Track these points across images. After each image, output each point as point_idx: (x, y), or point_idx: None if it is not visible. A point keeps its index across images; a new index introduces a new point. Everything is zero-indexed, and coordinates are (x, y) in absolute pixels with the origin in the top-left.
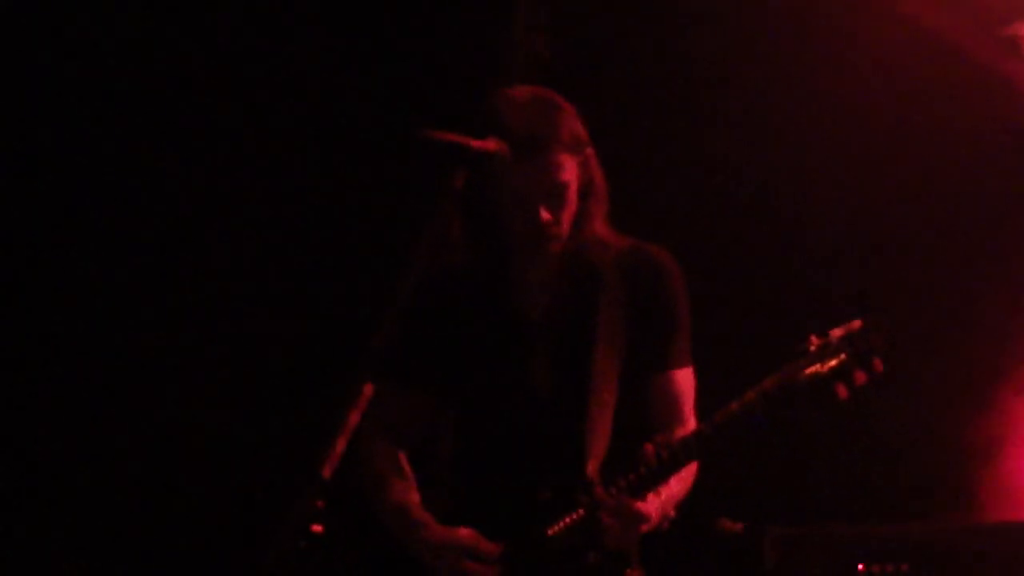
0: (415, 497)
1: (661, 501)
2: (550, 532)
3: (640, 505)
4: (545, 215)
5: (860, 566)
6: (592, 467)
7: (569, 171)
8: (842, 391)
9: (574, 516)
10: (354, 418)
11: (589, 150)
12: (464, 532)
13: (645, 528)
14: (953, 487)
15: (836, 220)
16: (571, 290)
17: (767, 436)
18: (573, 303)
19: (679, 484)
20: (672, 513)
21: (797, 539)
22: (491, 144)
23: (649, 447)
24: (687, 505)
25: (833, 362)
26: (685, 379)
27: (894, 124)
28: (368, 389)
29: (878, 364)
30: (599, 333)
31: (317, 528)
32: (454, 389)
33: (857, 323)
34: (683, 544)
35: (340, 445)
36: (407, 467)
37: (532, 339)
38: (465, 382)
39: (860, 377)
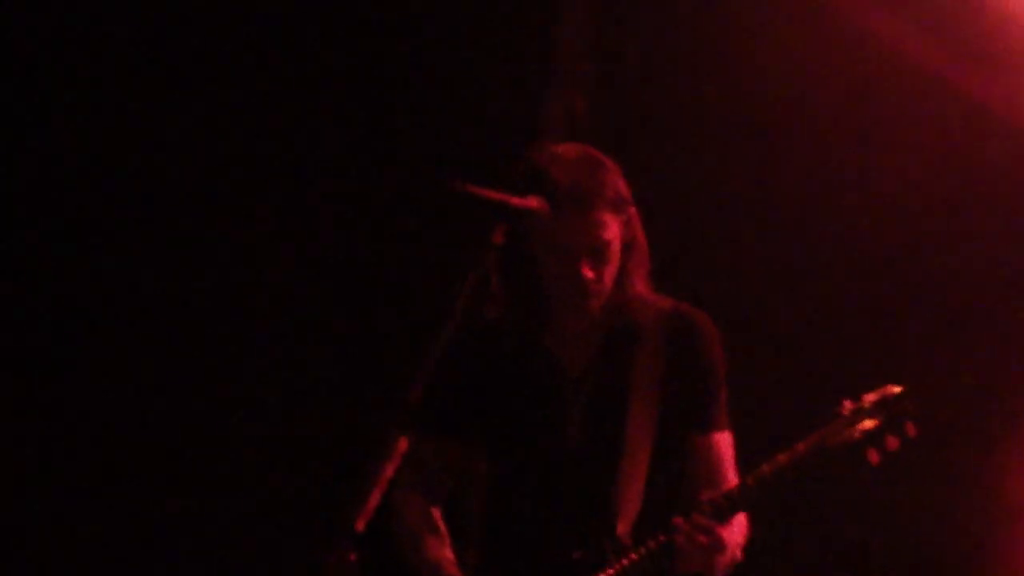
0: (448, 553)
1: (732, 531)
2: None
3: (717, 526)
4: (588, 272)
5: None
6: (622, 527)
7: (612, 229)
8: (874, 456)
9: (611, 572)
10: (389, 471)
11: (632, 208)
12: None
13: (722, 559)
14: (990, 551)
15: (870, 286)
16: (610, 347)
17: (796, 500)
18: (611, 359)
19: (739, 534)
20: (739, 556)
21: None
22: (532, 202)
23: (704, 495)
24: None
25: (866, 427)
26: (725, 442)
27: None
28: (403, 443)
29: (911, 429)
30: (635, 391)
31: None
32: (489, 443)
33: (891, 388)
34: None
35: (374, 499)
36: (440, 523)
37: (568, 395)
38: (499, 436)
39: (892, 443)
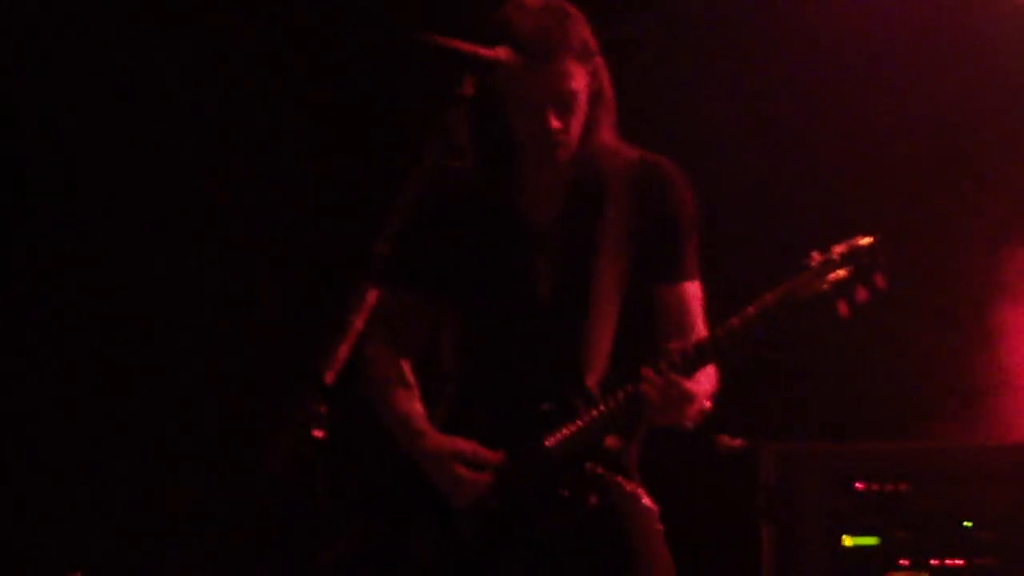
0: (417, 406)
1: (701, 387)
2: (548, 443)
3: (687, 383)
4: (554, 123)
5: (858, 484)
6: (591, 379)
7: (578, 79)
8: (843, 307)
9: (573, 427)
10: (358, 324)
11: (598, 59)
12: (462, 442)
13: (691, 409)
14: (955, 407)
15: (842, 141)
16: (577, 198)
17: (768, 351)
18: (579, 211)
19: (708, 383)
20: (708, 406)
21: (795, 456)
22: (500, 52)
23: (673, 344)
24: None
25: (835, 278)
26: (694, 292)
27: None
28: (372, 295)
29: (880, 280)
30: (604, 242)
31: (319, 434)
32: (458, 294)
33: (860, 239)
34: (682, 459)
35: (343, 351)
36: (410, 375)
37: (536, 246)
38: (468, 287)
39: (862, 294)
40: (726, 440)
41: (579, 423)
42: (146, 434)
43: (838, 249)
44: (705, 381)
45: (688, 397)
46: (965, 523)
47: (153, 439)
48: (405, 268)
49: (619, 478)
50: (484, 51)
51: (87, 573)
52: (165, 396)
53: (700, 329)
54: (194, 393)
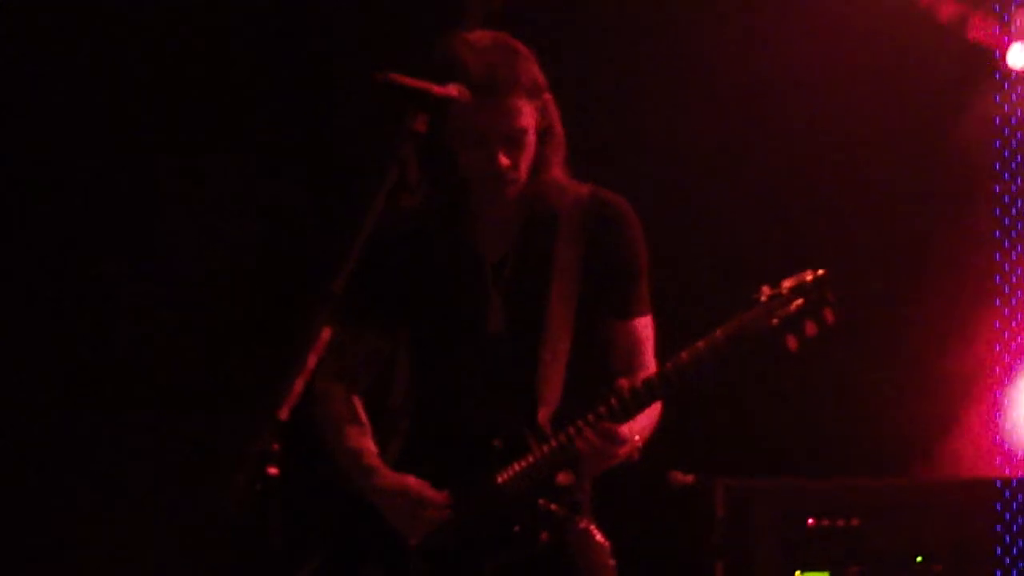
0: (368, 443)
1: (632, 429)
2: (499, 479)
3: (616, 427)
4: (503, 160)
5: (810, 520)
6: (543, 414)
7: (528, 116)
8: (791, 342)
9: (524, 463)
10: (312, 361)
11: (547, 96)
12: (410, 480)
13: (622, 451)
14: (905, 444)
15: (792, 175)
16: (528, 234)
17: (719, 387)
18: (529, 247)
19: (647, 419)
20: (640, 443)
21: (747, 491)
22: (452, 90)
23: (623, 381)
24: (640, 455)
25: (784, 313)
26: (645, 327)
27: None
28: (326, 333)
29: (829, 315)
30: (554, 277)
31: (273, 471)
32: (410, 332)
33: (808, 274)
34: (634, 495)
35: (297, 387)
36: (362, 413)
37: (487, 281)
38: (421, 325)
39: (810, 328)
40: (679, 476)
41: (530, 459)
42: (101, 466)
43: (787, 283)
44: (642, 420)
45: (618, 442)
46: (917, 558)
47: (107, 472)
48: (358, 307)
49: (571, 514)
50: (437, 88)
51: None
52: (119, 430)
53: (650, 364)
54: (150, 425)
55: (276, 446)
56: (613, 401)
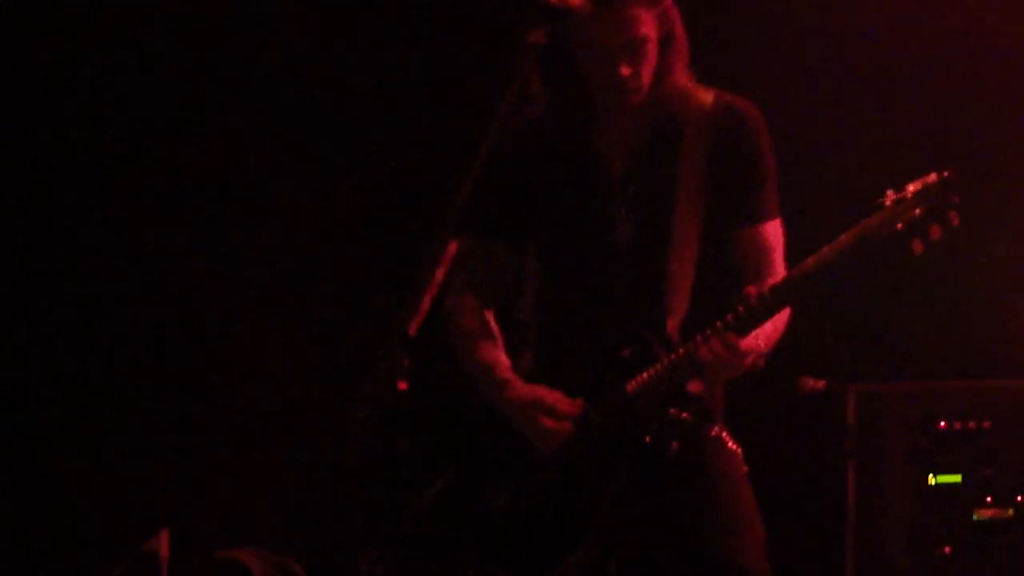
0: (501, 356)
1: (757, 339)
2: (629, 388)
3: (738, 340)
4: (624, 69)
5: (941, 423)
6: (672, 324)
7: (647, 24)
8: (918, 246)
9: (653, 372)
10: (440, 275)
11: (667, 3)
12: (544, 391)
13: (746, 361)
14: None
15: (919, 86)
16: (653, 143)
17: (849, 292)
18: (656, 155)
19: (773, 327)
20: (766, 351)
21: (879, 396)
22: (572, 0)
23: (750, 289)
24: (770, 362)
25: (909, 217)
26: (774, 232)
27: None
28: (453, 246)
29: (954, 218)
30: (680, 186)
31: (403, 385)
32: (538, 244)
33: (932, 177)
34: (766, 400)
35: (426, 303)
36: (494, 325)
37: (614, 191)
38: (548, 237)
39: (936, 232)
40: (809, 382)
41: (658, 368)
42: (231, 385)
43: (911, 187)
44: (770, 326)
45: (741, 355)
46: None
47: (236, 391)
48: (486, 219)
49: (702, 422)
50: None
51: (176, 526)
52: (249, 349)
53: (779, 271)
54: (279, 346)
55: (406, 361)
56: (740, 309)
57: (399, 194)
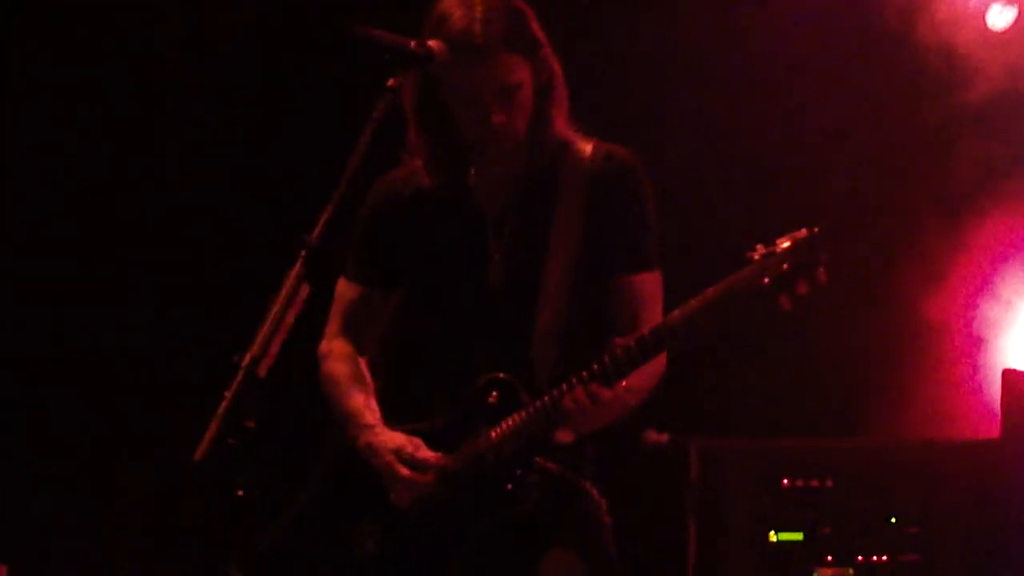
0: (370, 401)
1: (625, 390)
2: (493, 435)
3: (602, 390)
4: (497, 117)
5: (784, 480)
6: (541, 371)
7: (520, 71)
8: (785, 302)
9: (517, 419)
10: (290, 317)
11: (545, 51)
12: (404, 439)
13: (610, 417)
14: (878, 405)
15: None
16: (531, 189)
17: (698, 347)
18: (532, 202)
19: (642, 378)
20: (634, 406)
21: (722, 451)
22: (431, 45)
23: (617, 340)
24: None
25: (776, 272)
26: (652, 282)
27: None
28: (304, 290)
29: (822, 275)
30: (556, 232)
31: (251, 424)
32: (411, 288)
33: (803, 232)
34: (608, 453)
35: (276, 345)
36: (366, 371)
37: (490, 236)
38: (422, 280)
39: (803, 288)
40: (653, 435)
41: (523, 415)
42: (77, 425)
43: (781, 242)
44: (639, 377)
45: (606, 406)
46: (891, 519)
47: (85, 430)
48: (364, 265)
49: (568, 472)
50: (414, 43)
51: (13, 565)
52: (96, 383)
53: (657, 318)
54: (125, 380)
55: (255, 401)
56: (605, 359)
57: (243, 233)
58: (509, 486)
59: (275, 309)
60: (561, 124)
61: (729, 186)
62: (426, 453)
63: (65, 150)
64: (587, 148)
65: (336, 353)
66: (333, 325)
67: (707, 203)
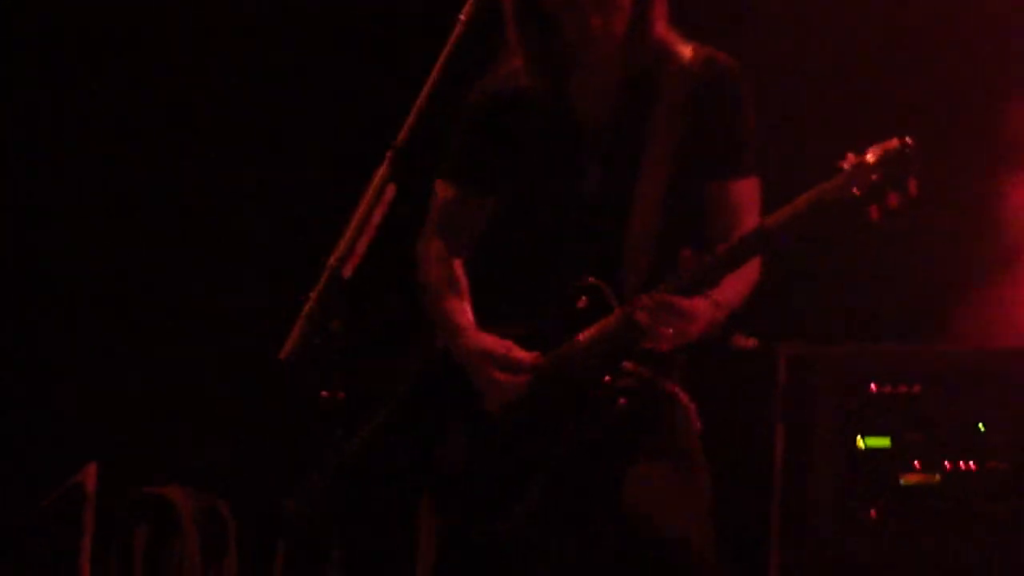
0: (462, 304)
1: (709, 303)
2: (581, 338)
3: (683, 301)
4: (595, 19)
5: (872, 386)
6: (632, 279)
7: None
8: (874, 212)
9: (606, 325)
10: (377, 217)
11: None
12: (496, 342)
13: (693, 328)
14: (967, 312)
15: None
16: (629, 96)
17: (789, 253)
18: (630, 109)
19: (731, 291)
20: (723, 318)
21: (810, 358)
22: None
23: (687, 252)
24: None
25: (866, 182)
26: (749, 190)
27: None
28: (390, 191)
29: (912, 187)
30: (653, 141)
31: (336, 325)
32: (508, 194)
33: (894, 143)
34: (696, 358)
35: (362, 246)
36: (460, 273)
37: (586, 144)
38: (515, 183)
39: (893, 199)
40: (741, 340)
41: (610, 322)
42: (164, 322)
43: (871, 152)
44: (729, 289)
45: (685, 317)
46: (979, 426)
47: (169, 328)
48: (462, 165)
49: (656, 376)
50: None
51: (104, 460)
52: (183, 284)
53: (752, 226)
54: (213, 284)
55: (340, 302)
56: (682, 272)
57: (335, 141)
58: (597, 391)
59: (360, 210)
60: (661, 28)
61: (826, 93)
62: (519, 354)
63: None
64: (687, 52)
65: (431, 255)
66: (429, 226)
67: (804, 110)
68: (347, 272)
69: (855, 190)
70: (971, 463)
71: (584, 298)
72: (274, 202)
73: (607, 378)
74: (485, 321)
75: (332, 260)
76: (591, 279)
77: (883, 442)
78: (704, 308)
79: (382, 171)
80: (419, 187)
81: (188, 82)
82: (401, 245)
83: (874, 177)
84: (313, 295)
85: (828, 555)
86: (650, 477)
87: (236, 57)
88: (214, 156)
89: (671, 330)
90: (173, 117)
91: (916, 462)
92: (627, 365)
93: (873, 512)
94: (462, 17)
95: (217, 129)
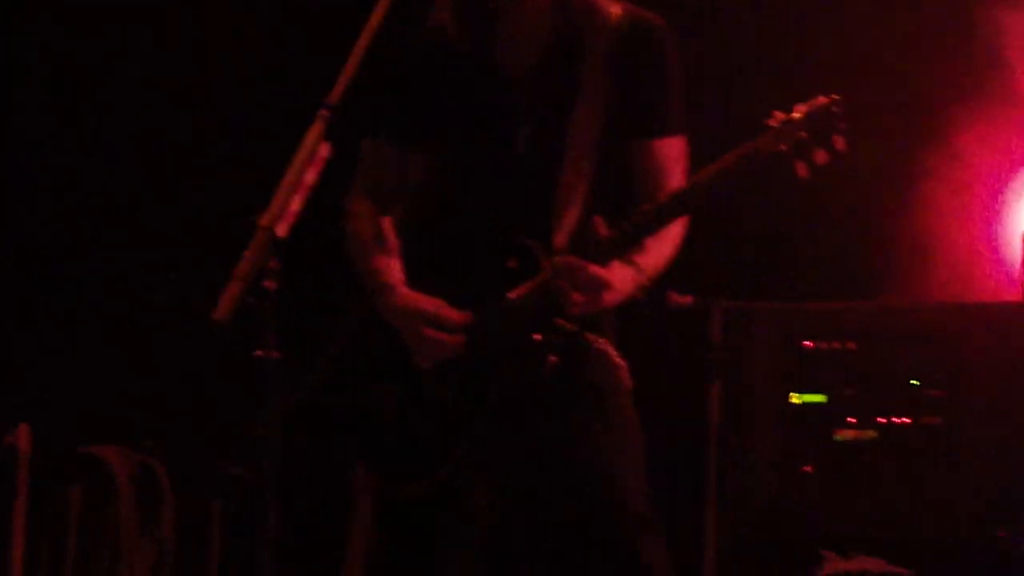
0: (392, 262)
1: (631, 269)
2: (512, 296)
3: (597, 269)
4: None
5: (806, 342)
6: (560, 237)
7: None
8: (802, 169)
9: (535, 284)
10: (311, 177)
11: None
12: (426, 300)
13: (609, 296)
14: (901, 268)
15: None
16: (556, 50)
17: (720, 211)
18: (557, 63)
19: (656, 255)
20: (648, 283)
21: (745, 313)
22: None
23: (599, 218)
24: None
25: (793, 139)
26: (677, 148)
27: None
28: (324, 149)
29: (839, 143)
30: (581, 95)
31: (270, 285)
32: (435, 149)
33: (821, 100)
34: (630, 315)
35: (295, 204)
36: (389, 231)
37: (510, 99)
38: (445, 142)
39: (821, 156)
40: (675, 297)
41: (539, 280)
42: (98, 282)
43: (799, 109)
44: (653, 254)
45: (594, 283)
46: (912, 382)
47: (102, 288)
48: (389, 122)
49: (584, 332)
50: None
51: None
52: (115, 242)
53: (679, 183)
54: (146, 243)
55: (274, 262)
56: (606, 234)
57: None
58: (526, 348)
59: (293, 169)
60: None
61: (753, 50)
62: (449, 312)
63: None
64: (616, 10)
65: (359, 212)
66: (357, 184)
67: (731, 69)
68: (282, 231)
69: (782, 146)
70: (905, 418)
71: (514, 257)
72: (208, 163)
73: (537, 336)
74: (415, 279)
75: (264, 220)
76: (521, 239)
77: (818, 398)
78: (622, 275)
79: (315, 130)
80: (356, 146)
81: (113, 40)
82: (338, 204)
83: (801, 134)
84: (246, 255)
85: (765, 511)
86: (582, 435)
87: (171, 15)
88: (143, 116)
89: (581, 296)
90: (104, 72)
91: (851, 418)
92: (558, 322)
93: (809, 467)
94: None
95: (146, 88)
